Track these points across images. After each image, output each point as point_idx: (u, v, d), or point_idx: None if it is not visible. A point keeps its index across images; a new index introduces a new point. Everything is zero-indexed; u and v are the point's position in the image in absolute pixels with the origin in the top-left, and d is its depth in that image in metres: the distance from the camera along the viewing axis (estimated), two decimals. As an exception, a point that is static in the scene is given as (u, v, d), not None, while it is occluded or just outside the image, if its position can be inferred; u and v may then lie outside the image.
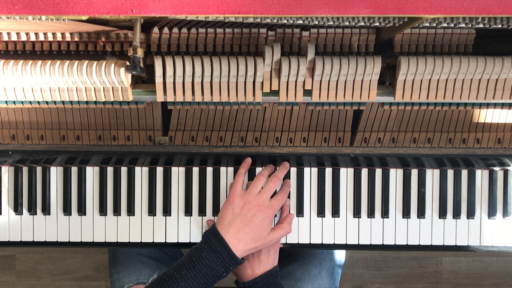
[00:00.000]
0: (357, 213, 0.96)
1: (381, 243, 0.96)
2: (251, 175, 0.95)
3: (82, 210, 0.95)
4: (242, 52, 0.85)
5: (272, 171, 0.94)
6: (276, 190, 0.93)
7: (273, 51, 0.76)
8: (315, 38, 0.85)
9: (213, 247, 0.82)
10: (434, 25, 0.71)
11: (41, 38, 0.83)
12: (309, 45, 0.76)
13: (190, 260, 0.81)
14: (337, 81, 0.79)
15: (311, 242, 0.96)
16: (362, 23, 0.71)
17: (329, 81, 0.79)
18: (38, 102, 0.88)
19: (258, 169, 0.96)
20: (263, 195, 0.88)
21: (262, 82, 0.79)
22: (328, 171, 0.96)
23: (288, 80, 0.79)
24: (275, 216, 0.94)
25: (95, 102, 0.88)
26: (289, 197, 0.96)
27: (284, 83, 0.79)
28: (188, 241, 0.96)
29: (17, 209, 0.95)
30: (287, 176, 0.96)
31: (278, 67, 0.78)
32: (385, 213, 0.96)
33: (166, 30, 0.83)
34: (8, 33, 0.83)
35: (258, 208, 0.86)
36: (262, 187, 0.90)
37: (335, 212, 0.96)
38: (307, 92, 0.81)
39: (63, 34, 0.83)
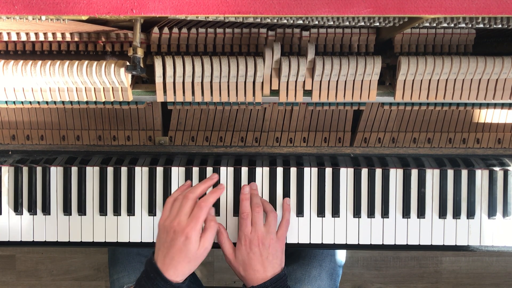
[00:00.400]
0: (357, 213, 0.96)
1: (381, 243, 0.96)
2: (251, 175, 0.95)
3: (82, 210, 0.95)
4: (242, 52, 0.85)
5: (205, 187, 0.90)
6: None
7: (273, 51, 0.76)
8: (315, 38, 0.85)
9: (148, 274, 0.81)
10: (434, 25, 0.71)
11: (41, 38, 0.83)
12: (309, 45, 0.76)
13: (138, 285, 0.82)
14: (337, 81, 0.79)
15: (311, 242, 0.96)
16: (362, 23, 0.71)
17: (329, 81, 0.79)
18: (38, 102, 0.88)
19: (258, 169, 0.96)
20: (176, 218, 0.83)
21: (262, 83, 0.79)
22: (328, 171, 0.96)
23: (288, 80, 0.79)
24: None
25: (95, 102, 0.88)
26: (289, 196, 0.96)
27: (284, 83, 0.79)
28: (188, 241, 0.96)
29: (17, 209, 0.95)
30: (288, 177, 0.96)
31: (278, 67, 0.78)
32: (385, 213, 0.96)
33: (166, 30, 0.83)
34: (8, 33, 0.83)
35: (174, 232, 0.82)
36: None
37: (335, 212, 0.96)
38: (307, 92, 0.81)
39: (63, 34, 0.83)
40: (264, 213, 0.91)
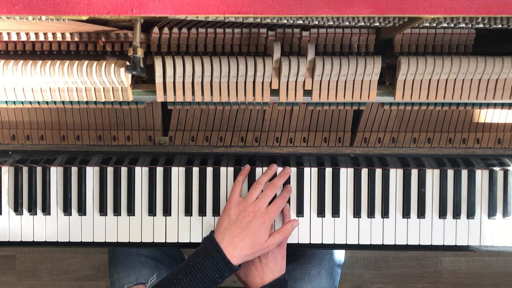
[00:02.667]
0: (357, 213, 0.96)
1: (381, 243, 0.96)
2: (251, 176, 0.95)
3: (82, 210, 0.95)
4: (242, 52, 0.85)
5: (272, 175, 0.94)
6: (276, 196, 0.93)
7: (273, 51, 0.76)
8: (315, 38, 0.85)
9: (208, 252, 0.83)
10: (434, 25, 0.71)
11: (41, 38, 0.83)
12: (309, 45, 0.76)
13: (187, 265, 0.83)
14: (337, 81, 0.79)
15: (311, 242, 0.96)
16: (362, 23, 0.71)
17: (329, 81, 0.79)
18: (38, 102, 0.88)
19: (258, 169, 0.96)
20: (259, 202, 0.88)
21: (263, 82, 0.79)
22: (328, 171, 0.96)
23: (288, 80, 0.79)
24: (277, 220, 0.94)
25: (95, 102, 0.88)
26: (289, 198, 0.95)
27: (284, 83, 0.79)
28: (188, 241, 0.96)
29: (17, 209, 0.95)
30: (288, 178, 0.96)
31: (278, 66, 0.78)
32: (385, 213, 0.96)
33: (166, 30, 0.83)
34: (8, 33, 0.83)
35: (254, 215, 0.86)
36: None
37: (335, 212, 0.96)
38: (307, 92, 0.81)
39: (63, 34, 0.83)
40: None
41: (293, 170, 0.96)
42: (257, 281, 0.89)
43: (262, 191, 0.91)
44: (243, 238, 0.84)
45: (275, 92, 0.81)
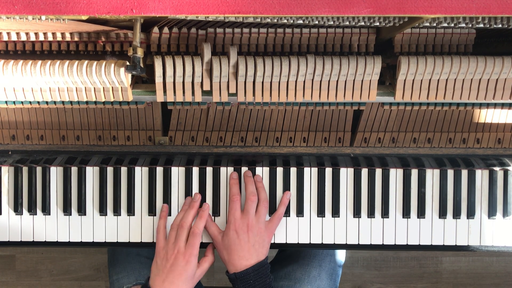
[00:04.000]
0: (357, 213, 0.96)
1: (381, 243, 0.96)
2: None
3: (82, 210, 0.95)
4: (242, 52, 0.85)
5: (194, 212, 0.93)
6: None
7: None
8: (315, 38, 0.85)
9: None
10: (434, 25, 0.71)
11: (41, 38, 0.83)
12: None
13: None
14: (337, 81, 0.79)
15: (311, 242, 0.96)
16: (362, 23, 0.71)
17: (329, 81, 0.79)
18: (38, 102, 0.88)
19: (258, 169, 0.96)
20: (177, 244, 0.88)
21: (262, 82, 0.79)
22: (328, 171, 0.96)
23: (288, 80, 0.79)
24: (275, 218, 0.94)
25: (95, 102, 0.88)
26: (289, 204, 0.95)
27: (284, 83, 0.79)
28: (188, 241, 0.96)
29: (17, 209, 0.95)
30: (288, 177, 0.96)
31: (278, 66, 0.77)
32: (385, 213, 0.96)
33: (166, 30, 0.83)
34: (8, 33, 0.83)
35: (175, 257, 0.87)
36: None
37: (335, 212, 0.96)
38: (307, 92, 0.81)
39: (63, 34, 0.83)
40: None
41: (293, 170, 0.96)
42: (241, 262, 0.88)
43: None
44: (172, 281, 0.86)
45: (274, 92, 0.81)
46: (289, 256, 1.10)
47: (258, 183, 0.94)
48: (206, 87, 0.79)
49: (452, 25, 0.71)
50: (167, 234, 0.93)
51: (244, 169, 0.96)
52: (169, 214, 0.96)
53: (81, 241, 0.96)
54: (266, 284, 0.88)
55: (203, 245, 0.95)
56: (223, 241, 0.90)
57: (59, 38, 0.83)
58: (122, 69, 0.74)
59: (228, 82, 0.78)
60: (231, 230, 0.89)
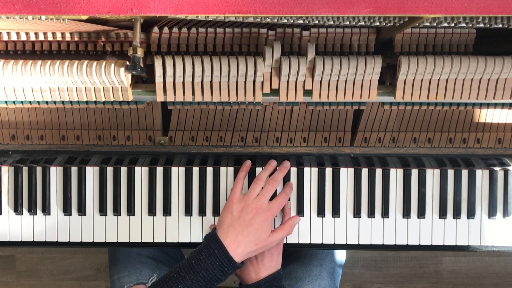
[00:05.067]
0: (357, 213, 0.96)
1: (381, 243, 0.96)
2: (251, 176, 0.95)
3: (82, 210, 0.95)
4: (242, 52, 0.85)
5: (272, 171, 0.94)
6: (277, 192, 0.93)
7: (273, 50, 0.76)
8: (315, 38, 0.85)
9: (211, 250, 0.82)
10: (435, 24, 0.71)
11: (41, 38, 0.83)
12: (309, 45, 0.76)
13: (190, 262, 0.82)
14: (337, 81, 0.79)
15: (311, 242, 0.96)
16: (363, 23, 0.71)
17: (329, 81, 0.79)
18: (38, 102, 0.88)
19: (258, 169, 0.96)
20: (261, 198, 0.88)
21: (262, 82, 0.79)
22: (328, 171, 0.96)
23: (288, 80, 0.78)
24: (277, 217, 0.94)
25: (95, 102, 0.88)
26: (289, 198, 0.95)
27: (284, 83, 0.79)
28: (188, 241, 0.96)
29: (17, 209, 0.95)
30: (288, 177, 0.96)
31: (278, 66, 0.78)
32: (385, 213, 0.96)
33: (166, 29, 0.83)
34: (8, 33, 0.83)
35: (257, 211, 0.86)
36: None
37: (335, 212, 0.96)
38: (307, 92, 0.81)
39: (63, 34, 0.83)
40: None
41: (293, 170, 0.96)
42: (252, 276, 0.89)
43: (262, 188, 0.91)
44: (247, 235, 0.84)
45: (275, 92, 0.81)
46: (289, 255, 1.10)
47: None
48: (207, 87, 0.79)
49: (452, 25, 0.71)
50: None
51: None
52: (169, 214, 0.96)
53: (81, 241, 0.96)
54: None
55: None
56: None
57: (59, 38, 0.83)
58: (122, 69, 0.74)
59: (228, 82, 0.78)
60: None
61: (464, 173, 0.96)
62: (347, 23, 0.71)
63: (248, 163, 0.94)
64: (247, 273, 0.89)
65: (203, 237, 0.94)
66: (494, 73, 0.78)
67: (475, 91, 0.80)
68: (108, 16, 0.68)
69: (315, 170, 0.96)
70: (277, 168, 0.94)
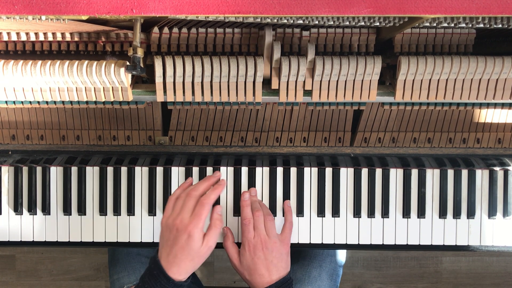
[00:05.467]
0: (357, 213, 0.96)
1: (381, 243, 0.96)
2: (251, 175, 0.95)
3: (82, 210, 0.95)
4: (242, 52, 0.85)
5: (187, 187, 0.90)
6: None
7: (273, 50, 0.76)
8: (315, 38, 0.85)
9: (151, 271, 0.82)
10: (434, 25, 0.71)
11: (41, 38, 0.83)
12: (309, 45, 0.76)
13: (138, 285, 0.83)
14: (337, 81, 0.79)
15: (311, 242, 0.96)
16: (362, 23, 0.71)
17: (329, 81, 0.79)
18: (38, 102, 0.88)
19: (258, 169, 0.96)
20: (180, 214, 0.84)
21: (262, 82, 0.79)
22: (328, 171, 0.96)
23: (288, 80, 0.79)
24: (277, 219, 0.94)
25: (95, 102, 0.88)
26: (289, 197, 0.95)
27: (284, 83, 0.79)
28: (188, 241, 0.96)
29: (17, 209, 0.95)
30: (288, 177, 0.96)
31: (278, 66, 0.78)
32: (385, 213, 0.96)
33: (166, 30, 0.83)
34: (8, 33, 0.83)
35: (177, 229, 0.82)
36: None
37: (335, 212, 0.96)
38: (307, 92, 0.81)
39: (63, 34, 0.83)
40: None
41: (293, 170, 0.96)
42: (262, 280, 0.86)
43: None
44: (175, 255, 0.81)
45: (275, 92, 0.81)
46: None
47: (254, 199, 0.93)
48: (207, 87, 0.79)
49: (452, 25, 0.71)
50: None
51: (244, 169, 0.95)
52: (169, 214, 0.96)
53: (81, 241, 0.96)
54: None
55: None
56: (241, 264, 0.88)
57: (59, 38, 0.83)
58: (122, 69, 0.74)
59: (228, 82, 0.79)
60: (246, 251, 0.87)
61: (464, 173, 0.96)
62: (347, 23, 0.71)
63: (188, 181, 0.93)
64: (258, 277, 0.86)
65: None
66: (494, 73, 0.78)
67: (475, 91, 0.80)
68: (108, 16, 0.68)
69: (315, 170, 0.96)
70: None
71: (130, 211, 0.96)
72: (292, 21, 0.70)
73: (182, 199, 0.85)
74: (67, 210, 0.95)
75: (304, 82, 0.79)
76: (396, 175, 0.96)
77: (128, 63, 0.74)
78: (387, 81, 0.87)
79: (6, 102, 0.88)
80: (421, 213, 0.96)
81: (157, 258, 0.83)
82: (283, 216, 0.95)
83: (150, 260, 0.85)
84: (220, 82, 0.78)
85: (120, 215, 0.96)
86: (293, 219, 0.95)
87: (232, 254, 0.89)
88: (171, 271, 0.81)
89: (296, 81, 0.79)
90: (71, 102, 0.88)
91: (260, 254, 0.86)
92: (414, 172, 0.96)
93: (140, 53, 0.73)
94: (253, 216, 0.89)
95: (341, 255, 1.12)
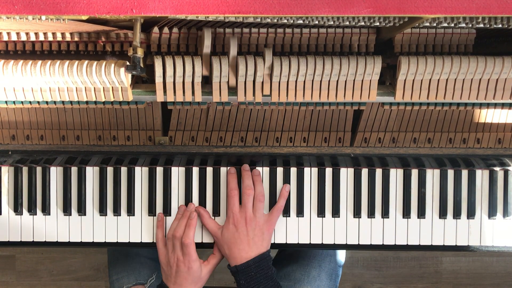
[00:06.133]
0: (357, 213, 0.96)
1: (381, 243, 0.96)
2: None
3: (82, 210, 0.95)
4: (242, 52, 0.85)
5: (185, 221, 0.94)
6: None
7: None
8: (315, 38, 0.85)
9: None
10: (435, 25, 0.71)
11: (41, 38, 0.83)
12: (309, 58, 0.76)
13: None
14: (337, 81, 0.79)
15: (311, 242, 0.96)
16: (362, 23, 0.71)
17: (329, 81, 0.79)
18: (38, 102, 0.88)
19: (258, 169, 0.96)
20: (174, 254, 0.91)
21: (262, 82, 0.79)
22: (328, 171, 0.96)
23: (288, 80, 0.78)
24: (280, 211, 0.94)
25: (95, 102, 0.88)
26: (289, 197, 0.96)
27: (284, 83, 0.79)
28: (188, 241, 0.96)
29: (17, 209, 0.95)
30: (288, 177, 0.96)
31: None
32: (385, 213, 0.96)
33: (166, 30, 0.83)
34: (8, 33, 0.83)
35: (177, 264, 0.90)
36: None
37: (335, 212, 0.96)
38: (307, 92, 0.81)
39: (63, 34, 0.83)
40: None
41: (293, 170, 0.96)
42: (242, 254, 0.89)
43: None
44: (181, 284, 0.90)
45: (275, 92, 0.81)
46: (289, 256, 1.10)
47: (255, 176, 0.94)
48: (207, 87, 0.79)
49: (452, 25, 0.71)
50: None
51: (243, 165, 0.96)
52: (169, 214, 0.96)
53: (81, 241, 0.96)
54: (268, 276, 0.88)
55: (205, 245, 0.95)
56: (222, 236, 0.91)
57: (59, 38, 0.83)
58: (122, 69, 0.74)
59: (228, 82, 0.78)
60: (230, 224, 0.90)
61: (464, 173, 0.96)
62: (347, 23, 0.71)
63: (160, 218, 0.96)
64: (237, 251, 0.89)
65: (201, 239, 0.96)
66: (494, 73, 0.78)
67: (475, 91, 0.80)
68: (108, 16, 0.68)
69: (315, 170, 0.96)
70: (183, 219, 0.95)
71: (130, 211, 0.96)
72: (292, 21, 0.70)
73: (170, 241, 0.92)
74: (67, 210, 0.95)
75: (304, 82, 0.79)
76: (396, 175, 0.96)
77: (128, 63, 0.74)
78: (387, 81, 0.87)
79: (6, 102, 0.88)
80: (421, 213, 0.96)
81: (165, 285, 0.91)
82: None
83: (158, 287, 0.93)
84: (220, 82, 0.78)
85: (120, 215, 0.96)
86: (293, 219, 0.95)
87: (212, 228, 0.93)
88: None
89: (296, 81, 0.79)
90: (71, 102, 0.88)
91: (242, 229, 0.90)
92: (414, 172, 0.96)
93: (140, 53, 0.73)
94: (243, 193, 0.92)
95: (341, 255, 1.12)
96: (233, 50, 0.76)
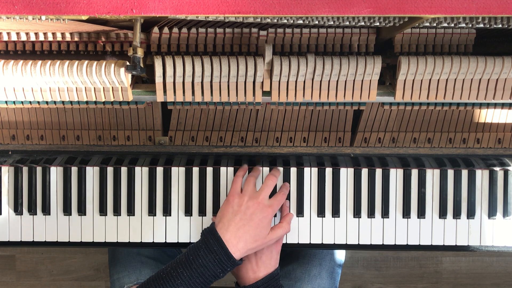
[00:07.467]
0: (357, 213, 0.96)
1: (381, 243, 0.96)
2: (251, 175, 0.95)
3: (82, 210, 0.95)
4: (242, 52, 0.85)
5: (258, 174, 0.95)
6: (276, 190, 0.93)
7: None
8: (315, 38, 0.85)
9: (210, 247, 0.80)
10: (434, 25, 0.71)
11: (41, 38, 0.83)
12: (309, 55, 0.76)
13: (187, 258, 0.80)
14: (337, 81, 0.79)
15: (311, 242, 0.96)
16: (362, 23, 0.71)
17: (329, 81, 0.79)
18: (38, 102, 0.88)
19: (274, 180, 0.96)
20: (261, 193, 0.88)
21: (262, 82, 0.79)
22: (328, 171, 0.96)
23: (288, 80, 0.79)
24: (275, 216, 0.94)
25: (95, 102, 0.88)
26: (288, 197, 0.96)
27: (284, 83, 0.79)
28: (188, 241, 0.96)
29: (17, 209, 0.95)
30: (288, 177, 0.96)
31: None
32: (385, 213, 0.96)
33: (166, 30, 0.83)
34: (8, 33, 0.83)
35: (257, 206, 0.85)
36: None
37: (335, 212, 0.96)
38: (307, 92, 0.81)
39: (63, 34, 0.83)
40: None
41: (293, 170, 0.96)
42: (249, 275, 0.87)
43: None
44: (247, 230, 0.82)
45: (275, 92, 0.81)
46: (289, 255, 1.10)
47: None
48: (207, 87, 0.79)
49: (452, 25, 0.71)
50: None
51: (244, 169, 0.96)
52: (169, 214, 0.96)
53: (81, 241, 0.96)
54: None
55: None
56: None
57: (59, 38, 0.83)
58: (122, 69, 0.74)
59: (228, 82, 0.78)
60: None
61: (464, 173, 0.96)
62: (347, 23, 0.71)
63: (245, 166, 0.95)
64: (245, 272, 0.88)
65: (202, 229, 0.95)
66: (494, 73, 0.78)
67: (475, 91, 0.80)
68: (108, 16, 0.68)
69: (315, 170, 0.96)
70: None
71: (130, 211, 0.96)
72: (292, 21, 0.70)
73: (253, 181, 0.89)
74: (67, 210, 0.95)
75: (304, 82, 0.79)
76: (396, 175, 0.96)
77: (128, 63, 0.74)
78: (387, 81, 0.87)
79: (6, 102, 0.88)
80: (421, 213, 0.96)
81: (218, 233, 0.82)
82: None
83: (207, 233, 0.83)
84: (220, 82, 0.78)
85: (120, 215, 0.96)
86: (293, 219, 0.95)
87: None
88: (236, 247, 0.81)
89: (296, 81, 0.79)
90: (71, 102, 0.88)
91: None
92: (414, 172, 0.96)
93: (140, 53, 0.73)
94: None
95: (341, 254, 1.12)
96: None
